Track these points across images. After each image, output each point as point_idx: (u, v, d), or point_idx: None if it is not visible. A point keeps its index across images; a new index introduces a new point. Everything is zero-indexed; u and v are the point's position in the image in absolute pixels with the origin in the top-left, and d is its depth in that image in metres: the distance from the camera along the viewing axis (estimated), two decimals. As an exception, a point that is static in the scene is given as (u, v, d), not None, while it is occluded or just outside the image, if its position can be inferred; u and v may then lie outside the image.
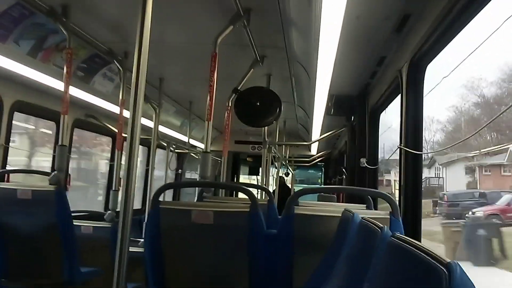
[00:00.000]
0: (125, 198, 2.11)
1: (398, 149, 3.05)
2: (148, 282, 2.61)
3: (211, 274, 2.61)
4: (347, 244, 1.85)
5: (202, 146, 8.67)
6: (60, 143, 3.63)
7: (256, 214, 2.52)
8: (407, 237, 1.07)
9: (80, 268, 3.39)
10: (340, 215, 2.36)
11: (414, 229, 2.87)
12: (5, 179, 3.86)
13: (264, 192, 4.75)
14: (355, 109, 4.97)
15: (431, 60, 2.79)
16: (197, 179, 9.37)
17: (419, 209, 2.92)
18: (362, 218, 1.80)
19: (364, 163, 4.56)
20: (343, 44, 3.02)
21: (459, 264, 0.78)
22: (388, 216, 2.45)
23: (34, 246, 3.29)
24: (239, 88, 4.24)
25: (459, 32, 2.32)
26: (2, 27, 3.32)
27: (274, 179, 8.70)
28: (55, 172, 3.47)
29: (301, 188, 3.16)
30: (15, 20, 3.36)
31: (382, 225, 1.42)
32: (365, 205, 3.02)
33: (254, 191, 3.67)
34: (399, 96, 3.11)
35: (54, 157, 4.46)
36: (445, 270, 0.77)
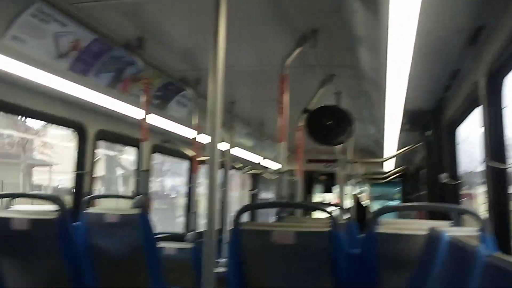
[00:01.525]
0: (208, 220, 2.15)
1: (481, 162, 2.92)
2: None
3: None
4: (436, 263, 1.78)
5: (275, 166, 8.71)
6: (141, 168, 3.81)
7: (337, 234, 2.49)
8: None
9: None
10: (424, 233, 2.28)
11: (505, 247, 2.71)
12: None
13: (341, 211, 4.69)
14: (430, 123, 4.81)
15: (510, 71, 2.66)
16: (273, 199, 9.44)
17: (509, 225, 2.77)
18: (452, 236, 1.73)
19: (444, 179, 4.39)
20: (414, 59, 2.95)
21: None
22: (477, 234, 2.33)
23: (122, 267, 3.43)
24: (309, 108, 4.25)
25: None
26: (85, 62, 3.55)
27: (349, 196, 8.56)
28: (139, 195, 3.62)
29: (382, 206, 3.09)
30: (95, 55, 3.59)
31: (476, 244, 1.35)
32: (448, 222, 2.90)
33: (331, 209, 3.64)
34: (477, 109, 2.98)
35: (137, 181, 4.67)
36: None
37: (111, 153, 21.64)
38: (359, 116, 5.80)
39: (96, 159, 4.58)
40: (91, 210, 3.50)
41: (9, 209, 3.16)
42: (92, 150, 4.41)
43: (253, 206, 6.80)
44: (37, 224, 2.79)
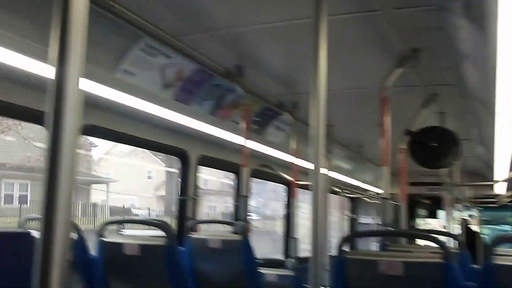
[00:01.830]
0: (314, 247, 2.11)
1: None
2: None
3: None
4: None
5: (374, 189, 8.47)
6: (241, 193, 3.87)
7: (451, 265, 2.34)
8: None
9: None
10: None
11: None
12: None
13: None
14: (547, 142, 4.43)
15: None
16: (372, 224, 9.16)
17: None
18: None
19: None
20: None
21: None
22: None
23: None
24: (411, 130, 4.09)
25: None
26: (188, 91, 3.71)
27: (456, 222, 8.08)
28: (239, 221, 3.68)
29: (499, 235, 2.85)
30: (197, 84, 3.73)
31: None
32: None
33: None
34: None
35: (236, 206, 4.75)
36: None
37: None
38: (466, 136, 5.49)
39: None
40: (195, 235, 3.60)
41: (119, 233, 3.35)
42: (194, 176, 4.56)
43: (359, 234, 6.44)
44: (147, 249, 2.91)
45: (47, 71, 0.98)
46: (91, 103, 3.09)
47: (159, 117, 3.69)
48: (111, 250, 3.07)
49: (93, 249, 3.13)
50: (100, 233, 3.06)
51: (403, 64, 3.17)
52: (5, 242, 2.75)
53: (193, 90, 3.77)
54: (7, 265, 2.60)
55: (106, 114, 3.51)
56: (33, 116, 3.04)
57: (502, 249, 2.50)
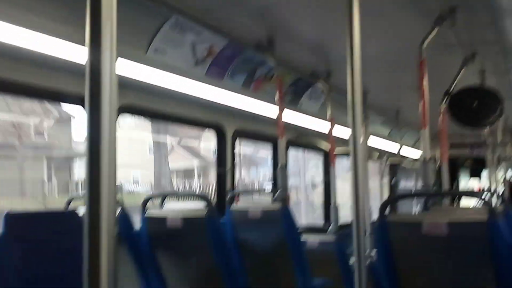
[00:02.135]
0: (355, 212, 2.11)
1: None
2: None
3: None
4: None
5: (414, 154, 8.34)
6: (279, 164, 3.89)
7: (496, 224, 2.29)
8: None
9: (312, 280, 3.52)
10: None
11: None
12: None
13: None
14: None
15: None
16: (413, 188, 9.06)
17: None
18: None
19: None
20: None
21: None
22: None
23: (267, 260, 3.53)
24: (451, 91, 3.98)
25: None
26: (219, 66, 3.70)
27: (500, 182, 7.89)
28: (280, 190, 3.70)
29: None
30: (229, 58, 3.72)
31: None
32: None
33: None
34: None
35: (275, 176, 4.78)
36: None
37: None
38: (508, 94, 5.31)
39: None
40: (235, 206, 3.65)
41: (163, 208, 3.42)
42: (232, 149, 4.59)
43: (401, 196, 6.42)
44: (190, 222, 2.97)
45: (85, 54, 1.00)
46: (128, 83, 3.13)
47: (193, 93, 3.71)
48: (155, 224, 3.15)
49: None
50: (143, 208, 3.13)
51: (440, 23, 3.07)
52: (53, 221, 2.85)
53: (225, 65, 3.76)
54: (56, 244, 2.70)
55: (144, 94, 3.55)
56: (74, 99, 3.11)
57: None
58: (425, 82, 3.13)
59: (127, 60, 3.00)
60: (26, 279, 2.49)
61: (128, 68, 3.06)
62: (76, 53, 2.66)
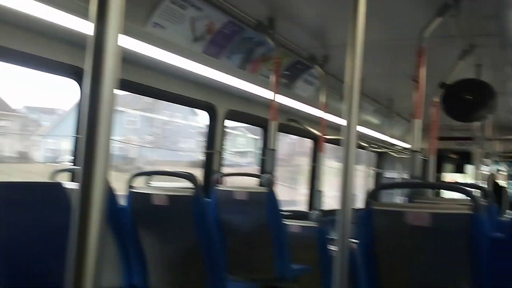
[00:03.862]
0: (342, 199, 2.11)
1: None
2: (359, 282, 2.59)
3: (429, 279, 2.48)
4: None
5: (401, 144, 8.38)
6: (268, 147, 3.86)
7: (479, 217, 2.31)
8: None
9: (291, 265, 3.53)
10: None
11: None
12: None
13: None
14: None
15: None
16: (398, 178, 9.12)
17: None
18: None
19: None
20: None
21: None
22: None
23: (249, 242, 3.54)
24: (446, 82, 3.97)
25: None
26: (217, 44, 3.64)
27: (484, 177, 7.99)
28: (267, 174, 3.68)
29: None
30: (227, 37, 3.66)
31: None
32: None
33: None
34: None
35: (263, 160, 4.76)
36: None
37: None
38: (502, 90, 5.33)
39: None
40: (221, 187, 3.63)
41: (148, 185, 3.38)
42: (222, 130, 4.55)
43: (387, 185, 6.46)
44: (175, 200, 2.94)
45: (87, 27, 0.99)
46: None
47: (188, 70, 3.65)
48: (140, 201, 3.12)
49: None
50: (129, 184, 3.10)
51: (443, 13, 3.04)
52: (38, 193, 2.79)
53: (223, 44, 3.69)
54: (41, 215, 2.65)
55: (135, 68, 3.47)
56: (69, 72, 3.05)
57: None
58: (422, 72, 3.12)
59: (124, 33, 2.92)
60: (6, 251, 2.44)
61: (125, 42, 2.99)
62: (73, 24, 2.58)
